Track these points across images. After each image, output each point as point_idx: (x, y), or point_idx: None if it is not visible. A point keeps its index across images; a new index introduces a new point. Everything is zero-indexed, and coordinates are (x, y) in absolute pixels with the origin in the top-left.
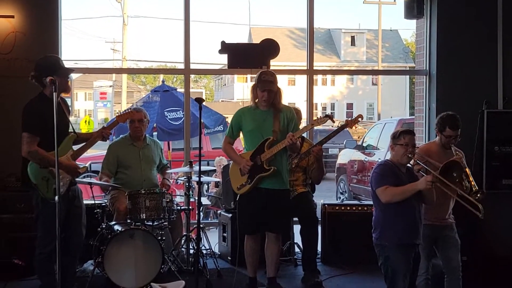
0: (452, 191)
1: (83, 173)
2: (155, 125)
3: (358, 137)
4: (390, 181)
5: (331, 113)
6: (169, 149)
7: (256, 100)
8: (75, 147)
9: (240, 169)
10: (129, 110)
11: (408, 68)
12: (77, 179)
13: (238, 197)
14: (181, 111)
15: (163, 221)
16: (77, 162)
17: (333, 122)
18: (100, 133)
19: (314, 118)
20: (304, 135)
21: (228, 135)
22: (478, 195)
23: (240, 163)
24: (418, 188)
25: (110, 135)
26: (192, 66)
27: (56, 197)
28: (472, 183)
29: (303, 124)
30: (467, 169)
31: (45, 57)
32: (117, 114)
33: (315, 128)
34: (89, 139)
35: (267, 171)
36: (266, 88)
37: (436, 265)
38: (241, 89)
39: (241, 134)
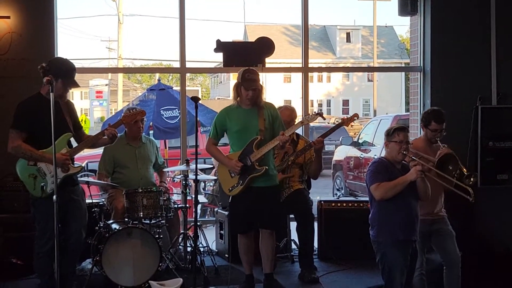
0: (447, 181)
1: (77, 172)
2: (151, 123)
3: (354, 134)
4: (383, 178)
5: (327, 109)
6: (165, 148)
7: (238, 99)
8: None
9: (230, 171)
10: (136, 110)
11: (403, 64)
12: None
13: (230, 198)
14: (177, 109)
15: (160, 219)
16: (76, 162)
17: (324, 119)
18: (102, 133)
19: (305, 115)
20: (300, 132)
21: (212, 137)
22: (471, 179)
23: (229, 165)
24: (409, 180)
25: (116, 134)
26: (188, 65)
27: (54, 196)
28: (463, 169)
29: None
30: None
31: (66, 60)
32: (124, 115)
33: (311, 125)
34: (88, 139)
35: (259, 171)
36: (252, 87)
37: (430, 260)
38: None
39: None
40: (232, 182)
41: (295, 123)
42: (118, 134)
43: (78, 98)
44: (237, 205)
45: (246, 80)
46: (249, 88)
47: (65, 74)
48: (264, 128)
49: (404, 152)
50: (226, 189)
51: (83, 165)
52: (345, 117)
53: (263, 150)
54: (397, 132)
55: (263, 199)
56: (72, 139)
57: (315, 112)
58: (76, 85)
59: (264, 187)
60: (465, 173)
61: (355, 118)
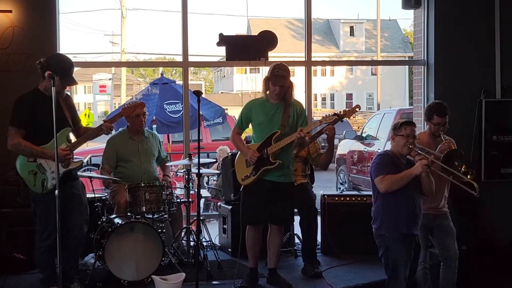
0: (452, 176)
1: (77, 167)
2: (154, 117)
3: (358, 128)
4: (388, 171)
5: (331, 103)
6: (168, 142)
7: (267, 93)
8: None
9: (247, 160)
10: (135, 103)
11: (407, 58)
12: (78, 172)
13: (242, 188)
14: (180, 103)
15: (163, 213)
16: (75, 156)
17: (342, 121)
18: (100, 128)
19: (323, 115)
20: None
21: (237, 126)
22: (469, 176)
23: (247, 154)
24: (415, 173)
25: (112, 129)
26: (191, 59)
27: (56, 191)
28: (462, 166)
29: None
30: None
31: (64, 56)
32: (123, 107)
33: (315, 118)
34: (87, 133)
35: (272, 164)
36: (279, 83)
37: (434, 254)
38: (240, 80)
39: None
40: (246, 172)
41: (313, 122)
42: (121, 128)
43: (81, 92)
44: (248, 196)
45: (274, 76)
46: (276, 83)
47: (63, 71)
48: (286, 124)
49: (410, 146)
50: (240, 177)
51: (84, 159)
52: (347, 109)
53: (280, 144)
54: (404, 126)
55: (275, 194)
56: (71, 134)
57: (334, 113)
58: (74, 82)
59: (278, 182)
60: (463, 170)
61: (357, 109)
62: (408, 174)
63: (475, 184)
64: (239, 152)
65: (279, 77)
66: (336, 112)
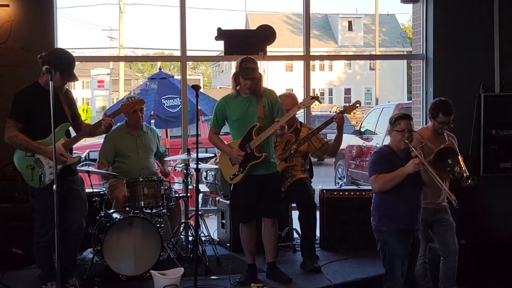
0: (439, 177)
1: (75, 162)
2: (152, 112)
3: (356, 122)
4: (383, 169)
5: (329, 98)
6: (167, 137)
7: (237, 88)
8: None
9: (231, 159)
10: (134, 99)
11: (405, 53)
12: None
13: (231, 187)
14: (178, 98)
15: (161, 208)
16: (74, 152)
17: (320, 103)
18: (99, 124)
19: (321, 110)
20: (302, 121)
21: (213, 126)
22: (469, 181)
23: (231, 154)
24: (407, 172)
25: (112, 125)
26: (189, 53)
27: (54, 186)
28: (463, 169)
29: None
30: (459, 156)
31: (66, 51)
32: (122, 104)
33: (313, 113)
34: (85, 129)
35: (258, 158)
36: (250, 76)
37: (433, 249)
38: None
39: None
40: (233, 170)
41: (292, 109)
42: (119, 123)
43: (79, 88)
44: (238, 194)
45: (243, 70)
46: (246, 77)
47: (64, 67)
48: (264, 116)
49: (406, 141)
50: (228, 177)
51: (82, 155)
52: (347, 105)
53: (261, 137)
54: (398, 121)
55: (264, 187)
56: (71, 129)
57: (310, 96)
58: (74, 78)
59: (265, 175)
60: (464, 175)
61: (357, 105)
62: (401, 173)
63: (452, 197)
64: (220, 153)
65: (248, 70)
66: (313, 95)
